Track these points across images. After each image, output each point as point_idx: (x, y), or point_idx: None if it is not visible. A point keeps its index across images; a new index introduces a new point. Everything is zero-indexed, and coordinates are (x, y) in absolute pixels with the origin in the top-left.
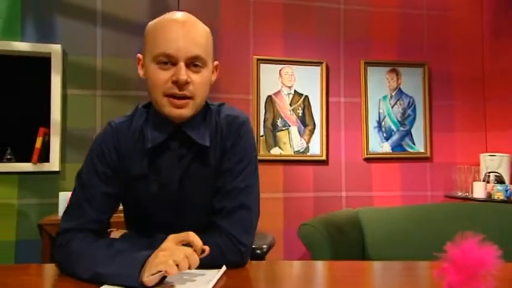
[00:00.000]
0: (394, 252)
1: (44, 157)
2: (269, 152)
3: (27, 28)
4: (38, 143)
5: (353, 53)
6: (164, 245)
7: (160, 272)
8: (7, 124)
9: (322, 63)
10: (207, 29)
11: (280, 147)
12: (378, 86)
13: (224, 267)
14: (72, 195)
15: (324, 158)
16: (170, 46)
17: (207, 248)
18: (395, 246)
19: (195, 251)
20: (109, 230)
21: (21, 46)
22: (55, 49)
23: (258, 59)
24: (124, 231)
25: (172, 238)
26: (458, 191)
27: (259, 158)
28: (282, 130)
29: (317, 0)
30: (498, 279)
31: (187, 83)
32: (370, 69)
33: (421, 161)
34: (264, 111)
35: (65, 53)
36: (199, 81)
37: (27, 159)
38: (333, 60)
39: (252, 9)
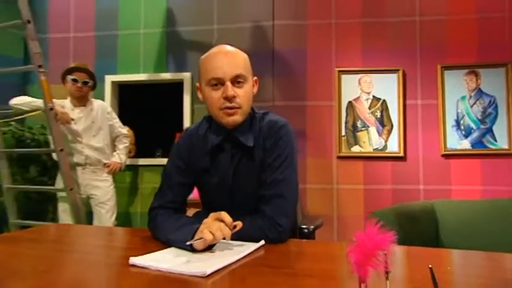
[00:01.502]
0: (469, 243)
1: None
2: (350, 149)
3: (169, 62)
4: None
5: (429, 59)
6: (205, 220)
7: (201, 238)
8: (157, 130)
9: (398, 70)
10: (244, 54)
11: (360, 146)
12: (456, 87)
13: (262, 242)
14: (160, 182)
15: (401, 154)
16: (218, 71)
17: (239, 223)
18: (470, 237)
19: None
20: (186, 208)
21: (166, 76)
22: (186, 76)
23: (339, 70)
24: (196, 210)
25: (211, 215)
26: None
27: (341, 155)
28: (362, 131)
29: (393, 16)
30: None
31: (234, 96)
32: (447, 72)
33: (504, 157)
34: (345, 115)
35: (192, 78)
36: (243, 94)
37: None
38: (409, 66)
39: (334, 29)
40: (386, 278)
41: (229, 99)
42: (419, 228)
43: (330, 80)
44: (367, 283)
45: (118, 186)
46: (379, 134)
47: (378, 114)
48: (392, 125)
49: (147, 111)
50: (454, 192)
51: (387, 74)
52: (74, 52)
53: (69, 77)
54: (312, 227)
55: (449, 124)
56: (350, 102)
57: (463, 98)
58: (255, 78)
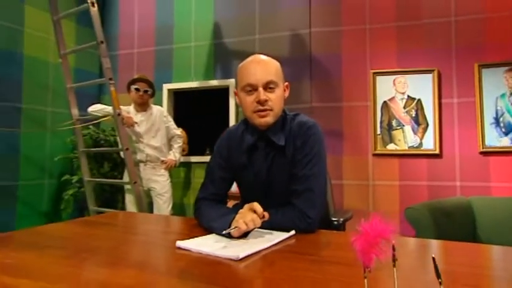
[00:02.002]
0: (507, 240)
1: None
2: (385, 147)
3: (216, 71)
4: None
5: (465, 58)
6: (240, 210)
7: (236, 227)
8: (207, 131)
9: (433, 70)
10: (276, 63)
11: (395, 143)
12: (495, 85)
13: (293, 232)
14: (204, 177)
15: (437, 151)
16: (251, 78)
17: (266, 214)
18: (509, 234)
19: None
20: (227, 200)
21: (214, 82)
22: (231, 82)
23: (374, 73)
24: (236, 202)
25: (245, 206)
26: None
27: (376, 152)
28: (397, 129)
29: (427, 17)
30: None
31: (266, 100)
32: (485, 70)
33: None
34: (380, 115)
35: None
36: (274, 97)
37: None
38: (444, 66)
39: (368, 34)
40: (394, 266)
41: (261, 103)
42: (455, 224)
43: (365, 82)
44: (371, 269)
45: (174, 181)
46: (414, 132)
47: (413, 113)
48: (427, 124)
49: (198, 114)
50: (493, 189)
51: (422, 74)
52: (137, 65)
53: (133, 87)
54: (342, 219)
55: (487, 121)
56: (385, 102)
57: (503, 95)
58: (286, 83)
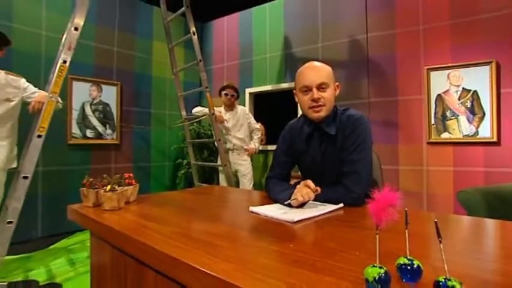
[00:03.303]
0: None
1: None
2: (439, 136)
3: (286, 75)
4: None
5: None
6: (298, 186)
7: (294, 198)
8: (280, 124)
9: (491, 62)
10: (327, 67)
11: (449, 132)
12: None
13: (341, 205)
14: (272, 160)
15: (495, 139)
16: (307, 81)
17: (318, 189)
18: None
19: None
20: (290, 178)
21: (284, 85)
22: None
23: (427, 69)
24: (298, 180)
25: (302, 183)
26: None
27: (430, 141)
28: (451, 119)
29: (484, 12)
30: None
31: (319, 98)
32: None
33: None
34: (434, 106)
35: None
36: (326, 95)
37: None
38: (503, 57)
39: (422, 33)
40: (406, 228)
41: (315, 100)
42: (510, 210)
43: (419, 78)
44: (382, 228)
45: (254, 164)
46: (470, 122)
47: (468, 104)
48: (484, 113)
49: (273, 111)
50: None
51: (478, 67)
52: (226, 75)
53: (223, 92)
54: None
55: None
56: (439, 95)
57: None
58: (337, 83)
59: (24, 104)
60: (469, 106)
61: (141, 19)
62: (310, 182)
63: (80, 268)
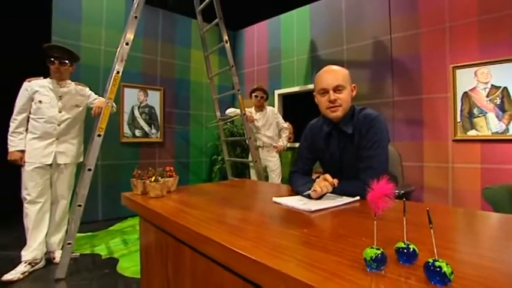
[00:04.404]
0: None
1: None
2: (466, 133)
3: (313, 76)
4: None
5: None
6: (317, 180)
7: (314, 190)
8: (307, 123)
9: None
10: (344, 70)
11: (476, 130)
12: None
13: (357, 198)
14: (296, 156)
15: None
16: (324, 84)
17: (335, 181)
18: None
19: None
20: (312, 173)
21: (311, 86)
22: None
23: (453, 67)
24: (319, 174)
25: (321, 176)
26: None
27: (456, 138)
28: (479, 117)
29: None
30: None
31: (335, 99)
32: None
33: None
34: (460, 104)
35: None
36: (342, 97)
37: None
38: None
39: (448, 32)
40: (404, 215)
41: (332, 101)
42: None
43: (444, 76)
44: (379, 215)
45: (283, 161)
46: (499, 119)
47: (498, 101)
48: None
49: (300, 111)
50: None
51: (508, 63)
52: (256, 78)
53: (253, 94)
54: (402, 191)
55: None
56: (465, 92)
57: None
58: (354, 85)
59: (88, 108)
60: (498, 103)
61: (180, 31)
62: (328, 176)
63: (132, 247)
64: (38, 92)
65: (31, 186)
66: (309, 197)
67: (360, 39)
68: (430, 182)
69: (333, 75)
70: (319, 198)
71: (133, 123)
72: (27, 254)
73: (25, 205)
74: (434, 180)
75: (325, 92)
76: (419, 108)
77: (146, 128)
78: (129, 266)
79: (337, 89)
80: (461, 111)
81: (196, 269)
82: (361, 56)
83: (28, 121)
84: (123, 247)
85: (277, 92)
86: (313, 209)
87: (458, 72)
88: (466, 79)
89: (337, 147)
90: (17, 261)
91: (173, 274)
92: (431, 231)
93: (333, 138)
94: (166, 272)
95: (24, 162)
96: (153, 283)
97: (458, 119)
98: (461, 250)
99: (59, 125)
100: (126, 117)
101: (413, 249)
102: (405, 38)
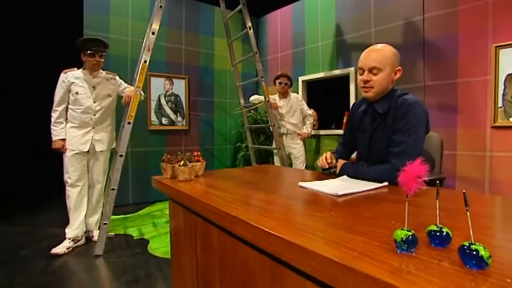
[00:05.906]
0: None
1: None
2: (508, 119)
3: (339, 62)
4: (345, 119)
5: None
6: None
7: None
8: (332, 110)
9: None
10: (386, 52)
11: None
12: None
13: (385, 183)
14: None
15: None
16: (361, 63)
17: (333, 161)
18: None
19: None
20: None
21: (336, 72)
22: (351, 70)
23: (496, 46)
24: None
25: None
26: None
27: (496, 125)
28: None
29: None
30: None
31: (368, 81)
32: None
33: None
34: (503, 87)
35: (355, 72)
36: (375, 79)
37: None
38: None
39: (491, 8)
40: (437, 198)
41: (364, 82)
42: None
43: (485, 57)
44: (410, 196)
45: (307, 148)
46: None
47: None
48: None
49: (325, 97)
50: None
51: None
52: (280, 65)
53: (277, 81)
54: (433, 177)
55: None
56: (509, 74)
57: None
58: (398, 68)
59: (119, 97)
60: None
61: (204, 19)
62: (328, 153)
63: (161, 229)
64: (74, 84)
65: (71, 171)
66: (328, 171)
67: (389, 20)
68: (464, 171)
69: (371, 55)
70: (326, 170)
71: (160, 111)
72: (70, 232)
73: (67, 188)
74: (468, 169)
75: (362, 70)
76: (453, 93)
77: (172, 116)
78: (159, 247)
79: (372, 70)
80: (503, 95)
81: (223, 248)
82: (390, 39)
83: (67, 111)
84: (153, 229)
85: (301, 78)
86: (340, 193)
87: (501, 52)
88: (510, 60)
89: (369, 125)
90: (61, 237)
91: (201, 253)
92: (468, 213)
93: (367, 116)
94: (196, 251)
95: (66, 149)
96: (183, 262)
97: (500, 104)
98: (499, 236)
99: (94, 114)
100: (153, 105)
101: (447, 232)
102: (440, 16)
